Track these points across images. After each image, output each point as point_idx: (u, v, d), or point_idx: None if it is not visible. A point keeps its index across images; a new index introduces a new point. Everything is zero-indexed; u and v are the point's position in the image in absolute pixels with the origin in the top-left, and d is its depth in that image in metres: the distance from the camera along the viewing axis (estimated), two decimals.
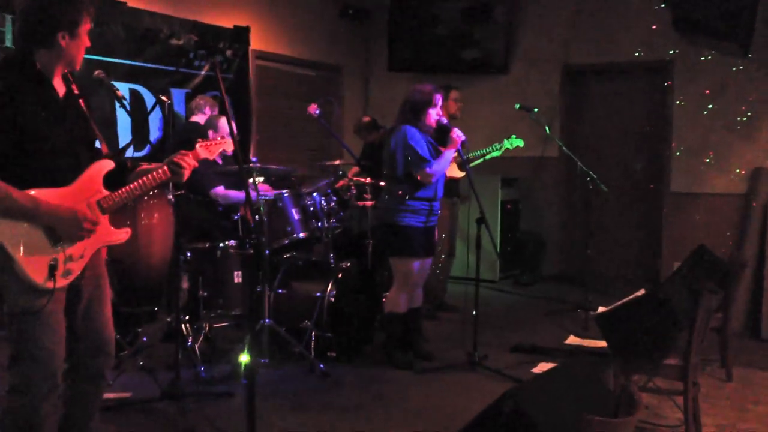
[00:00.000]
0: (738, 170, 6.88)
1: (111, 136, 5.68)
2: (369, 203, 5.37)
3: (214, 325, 4.90)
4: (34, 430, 2.58)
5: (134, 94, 5.93)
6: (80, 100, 2.77)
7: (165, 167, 2.80)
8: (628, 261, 7.80)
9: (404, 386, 4.38)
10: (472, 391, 4.27)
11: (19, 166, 2.53)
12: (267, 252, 4.67)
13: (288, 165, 6.78)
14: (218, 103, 5.83)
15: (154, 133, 6.13)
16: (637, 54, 7.33)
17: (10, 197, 2.46)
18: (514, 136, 5.48)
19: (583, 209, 6.51)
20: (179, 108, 6.29)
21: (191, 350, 4.49)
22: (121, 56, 5.81)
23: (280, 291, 4.92)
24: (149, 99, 6.02)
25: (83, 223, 2.59)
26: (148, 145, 5.96)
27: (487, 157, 5.50)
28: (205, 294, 4.66)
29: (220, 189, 5.08)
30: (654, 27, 7.17)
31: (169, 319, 4.80)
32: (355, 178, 5.58)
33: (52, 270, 2.53)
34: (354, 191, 5.55)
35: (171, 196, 4.51)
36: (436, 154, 4.62)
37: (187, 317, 4.64)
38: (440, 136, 4.72)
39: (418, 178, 4.53)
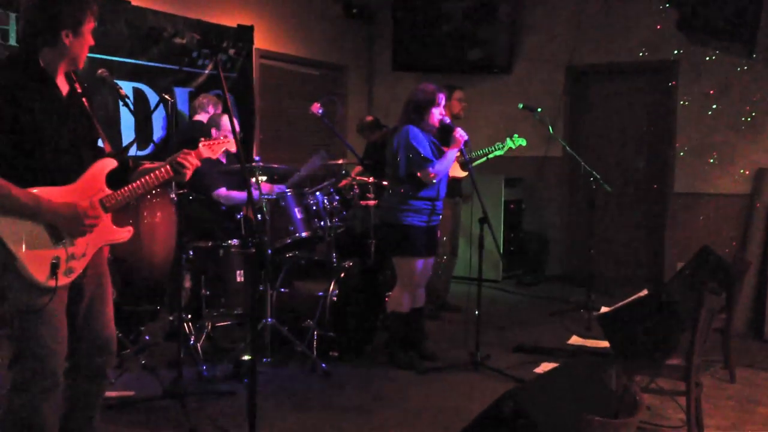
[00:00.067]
0: (742, 170, 6.87)
1: (114, 135, 5.69)
2: (372, 202, 5.38)
3: (217, 324, 4.90)
4: (35, 428, 2.58)
5: (138, 93, 5.94)
6: (83, 99, 2.77)
7: (168, 166, 2.80)
8: (631, 261, 7.79)
9: (406, 386, 4.38)
10: (475, 391, 4.27)
11: (22, 164, 2.53)
12: (269, 251, 4.67)
13: (291, 164, 6.78)
14: (221, 101, 5.84)
15: (158, 132, 6.13)
16: (641, 54, 7.31)
17: (12, 195, 2.47)
18: (516, 135, 5.48)
19: (587, 209, 6.49)
20: (183, 107, 6.29)
21: (193, 349, 4.50)
22: (125, 55, 5.81)
23: (282, 290, 4.92)
24: (153, 98, 6.02)
25: (84, 219, 2.59)
26: (152, 144, 5.96)
27: (490, 156, 5.49)
28: (208, 293, 4.66)
29: (222, 191, 5.08)
30: (658, 27, 7.16)
31: (171, 318, 4.82)
32: (358, 178, 5.58)
33: (54, 268, 2.53)
34: (357, 190, 5.55)
35: (173, 195, 4.52)
36: (439, 154, 4.62)
37: (189, 316, 4.65)
38: (443, 136, 4.72)
39: (420, 177, 4.52)
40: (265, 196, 4.69)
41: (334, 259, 4.98)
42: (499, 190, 7.63)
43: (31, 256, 2.51)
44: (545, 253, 8.09)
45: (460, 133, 4.61)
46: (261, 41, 7.12)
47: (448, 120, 4.69)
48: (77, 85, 2.77)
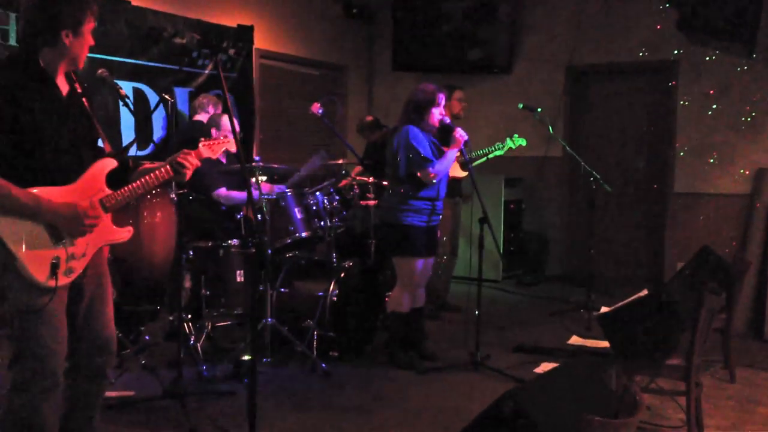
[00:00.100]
0: (742, 170, 6.87)
1: (114, 135, 5.69)
2: (372, 202, 5.38)
3: (217, 324, 4.90)
4: (35, 428, 2.58)
5: (138, 93, 5.94)
6: (83, 99, 2.77)
7: (168, 166, 2.80)
8: (631, 261, 7.79)
9: (406, 386, 4.38)
10: (475, 391, 4.27)
11: (22, 164, 2.53)
12: (269, 251, 4.67)
13: (291, 164, 6.78)
14: (221, 101, 5.84)
15: (158, 132, 6.13)
16: (641, 54, 7.31)
17: (12, 195, 2.47)
18: (516, 135, 5.47)
19: (587, 209, 6.50)
20: (183, 107, 6.29)
21: (193, 349, 4.50)
22: (125, 55, 5.81)
23: (282, 290, 4.92)
24: (153, 98, 6.02)
25: (84, 219, 2.59)
26: (151, 144, 5.96)
27: (490, 156, 5.49)
28: (208, 293, 4.66)
29: (222, 191, 5.08)
30: (658, 27, 7.16)
31: (171, 318, 4.82)
32: (358, 178, 5.58)
33: (54, 268, 2.53)
34: (357, 190, 5.55)
35: (173, 195, 4.52)
36: (439, 154, 4.62)
37: (189, 316, 4.65)
38: (443, 136, 4.72)
39: (420, 177, 4.52)
40: (265, 196, 4.69)
41: (334, 259, 4.98)
42: (499, 190, 7.63)
43: (31, 256, 2.51)
44: (545, 253, 8.09)
45: (460, 133, 4.61)
46: (261, 41, 7.12)
47: (448, 120, 4.69)
48: (77, 85, 2.77)
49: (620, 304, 3.63)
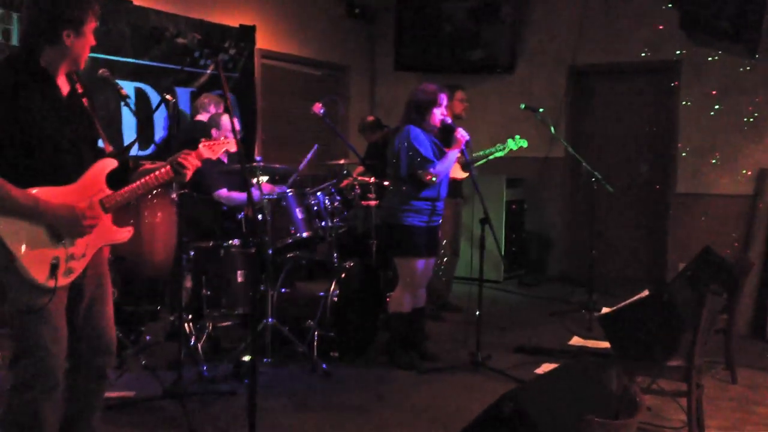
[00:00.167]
0: (744, 171, 6.86)
1: (116, 135, 5.69)
2: (373, 203, 5.37)
3: (217, 324, 4.90)
4: (35, 428, 2.58)
5: (140, 93, 5.94)
6: (84, 99, 2.77)
7: (168, 167, 2.80)
8: (633, 262, 7.78)
9: (407, 386, 4.38)
10: (475, 391, 4.26)
11: (22, 164, 2.53)
12: (270, 251, 4.67)
13: (293, 164, 6.78)
14: (223, 101, 5.84)
15: (159, 132, 6.13)
16: (643, 54, 7.30)
17: (11, 196, 2.47)
18: (518, 136, 5.45)
19: (589, 210, 6.49)
20: (185, 107, 6.30)
21: (194, 349, 4.50)
22: (127, 55, 5.81)
23: (283, 290, 4.92)
24: (155, 98, 6.02)
25: (83, 221, 2.59)
26: (153, 144, 5.96)
27: (491, 157, 5.48)
28: (209, 293, 4.66)
29: (223, 191, 5.08)
30: (660, 27, 7.14)
31: (172, 318, 4.81)
32: (359, 178, 5.58)
33: (54, 269, 2.53)
34: (358, 191, 5.55)
35: (174, 195, 4.52)
36: (441, 155, 4.61)
37: (190, 316, 4.64)
38: (444, 136, 4.71)
39: (421, 177, 4.51)
40: (266, 196, 4.69)
41: (335, 260, 4.98)
42: (501, 191, 7.62)
43: (31, 257, 2.51)
44: (547, 254, 8.08)
45: (462, 134, 4.60)
46: (263, 41, 7.12)
47: (449, 120, 4.68)
48: (78, 86, 2.77)
49: (621, 304, 3.62)
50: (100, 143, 2.84)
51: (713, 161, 7.03)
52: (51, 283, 2.52)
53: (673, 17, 6.82)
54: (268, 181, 5.33)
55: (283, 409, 3.95)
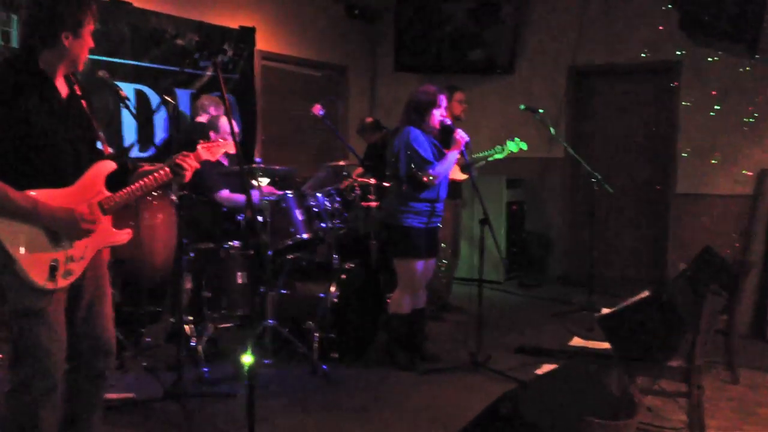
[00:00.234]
0: (744, 171, 6.85)
1: (115, 137, 5.69)
2: (373, 204, 5.37)
3: (218, 326, 4.90)
4: (34, 430, 2.58)
5: (140, 95, 5.94)
6: (82, 101, 2.77)
7: (166, 168, 2.80)
8: (633, 262, 7.78)
9: (407, 387, 4.37)
10: (475, 392, 4.26)
11: (21, 167, 2.53)
12: (270, 253, 4.66)
13: (293, 165, 6.78)
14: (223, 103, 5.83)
15: (159, 133, 6.13)
16: (643, 55, 7.30)
17: (9, 198, 2.47)
18: (517, 138, 5.44)
19: (589, 210, 6.49)
20: (184, 108, 6.30)
21: (194, 351, 4.50)
22: (127, 56, 5.81)
23: (283, 292, 4.92)
24: (155, 99, 6.02)
25: (81, 223, 2.60)
26: (152, 146, 5.96)
27: (490, 159, 5.48)
28: (209, 294, 4.66)
29: (224, 192, 5.08)
30: (661, 28, 7.14)
31: (172, 320, 4.81)
32: (359, 179, 5.58)
33: (53, 270, 2.54)
34: (358, 192, 5.55)
35: (174, 197, 4.52)
36: (440, 156, 4.61)
37: (190, 318, 4.64)
38: (444, 137, 4.71)
39: (420, 178, 4.51)
40: (266, 198, 4.69)
41: (336, 261, 4.97)
42: (502, 191, 7.62)
43: (30, 259, 2.51)
44: (547, 254, 8.07)
45: (461, 135, 4.60)
46: (263, 43, 7.12)
47: (449, 121, 4.68)
48: (77, 87, 2.77)
49: (622, 305, 3.62)
50: (99, 145, 2.84)
51: (713, 161, 7.03)
52: (50, 285, 2.53)
53: (673, 17, 6.82)
54: (269, 184, 5.33)
55: (283, 410, 3.95)
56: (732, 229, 6.81)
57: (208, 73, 6.49)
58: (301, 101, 7.72)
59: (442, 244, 5.58)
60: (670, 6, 6.89)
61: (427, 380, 4.51)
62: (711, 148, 7.04)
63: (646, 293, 3.66)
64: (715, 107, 7.00)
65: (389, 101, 8.42)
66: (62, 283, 2.58)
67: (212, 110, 5.72)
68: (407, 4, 8.20)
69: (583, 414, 1.83)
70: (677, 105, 7.27)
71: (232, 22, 6.79)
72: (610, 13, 7.54)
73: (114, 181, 2.75)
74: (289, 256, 5.12)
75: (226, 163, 5.13)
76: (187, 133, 5.53)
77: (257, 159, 6.16)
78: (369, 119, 7.02)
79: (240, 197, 5.12)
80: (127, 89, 5.70)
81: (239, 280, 4.66)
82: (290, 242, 4.79)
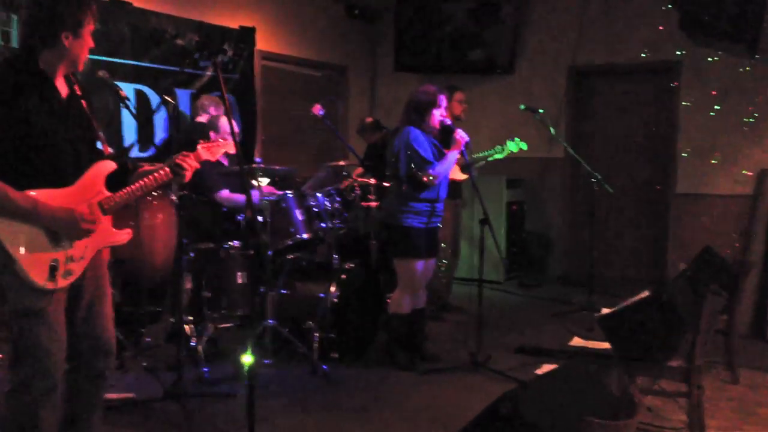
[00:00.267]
0: (744, 171, 6.85)
1: (116, 137, 5.69)
2: (373, 204, 5.37)
3: (218, 326, 4.90)
4: (34, 430, 2.58)
5: (140, 95, 5.94)
6: (82, 101, 2.77)
7: (166, 168, 2.80)
8: (633, 262, 7.78)
9: (407, 387, 4.38)
10: (476, 392, 4.26)
11: (21, 167, 2.53)
12: (270, 252, 4.67)
13: (293, 165, 6.78)
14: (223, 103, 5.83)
15: (159, 133, 6.13)
16: (643, 55, 7.30)
17: (9, 198, 2.47)
18: (517, 138, 5.44)
19: (589, 210, 6.49)
20: (184, 108, 6.30)
21: (194, 351, 4.50)
22: (127, 56, 5.81)
23: (283, 292, 4.92)
24: (155, 100, 6.02)
25: (81, 224, 2.60)
26: (153, 146, 5.97)
27: (490, 159, 5.48)
28: (209, 294, 4.66)
29: (225, 192, 5.08)
30: (661, 28, 7.14)
31: (172, 320, 4.81)
32: (359, 179, 5.58)
33: (53, 270, 2.54)
34: (358, 192, 5.55)
35: (174, 197, 4.52)
36: (440, 156, 4.61)
37: (190, 318, 4.64)
38: (444, 138, 4.71)
39: (420, 178, 4.51)
40: (266, 198, 4.69)
41: (336, 261, 4.97)
42: (502, 191, 7.62)
43: (30, 259, 2.51)
44: (547, 254, 8.07)
45: (461, 135, 4.60)
46: (263, 43, 7.13)
47: (448, 121, 4.68)
48: (77, 87, 2.77)
49: (622, 305, 3.62)
50: (99, 145, 2.84)
51: (714, 162, 7.03)
52: (50, 285, 2.53)
53: (673, 17, 6.82)
54: (270, 184, 5.33)
55: (283, 410, 3.95)
56: (732, 229, 6.81)
57: (208, 73, 6.49)
58: (301, 101, 7.72)
59: (442, 244, 5.58)
60: (670, 6, 6.89)
61: (427, 380, 4.51)
62: (711, 148, 7.04)
63: (646, 293, 3.66)
64: (715, 107, 7.00)
65: (389, 101, 8.42)
66: (62, 283, 2.58)
67: (212, 110, 5.72)
68: (407, 4, 8.20)
69: (583, 414, 1.83)
70: (677, 105, 7.27)
71: (232, 22, 6.79)
72: (610, 13, 7.54)
73: (114, 181, 2.75)
74: (289, 256, 5.12)
75: (226, 163, 5.13)
76: (187, 133, 5.53)
77: (257, 159, 6.16)
78: (369, 119, 7.02)
79: (240, 197, 5.12)
80: (127, 89, 5.70)
81: (239, 280, 4.66)
82: (290, 242, 4.79)
